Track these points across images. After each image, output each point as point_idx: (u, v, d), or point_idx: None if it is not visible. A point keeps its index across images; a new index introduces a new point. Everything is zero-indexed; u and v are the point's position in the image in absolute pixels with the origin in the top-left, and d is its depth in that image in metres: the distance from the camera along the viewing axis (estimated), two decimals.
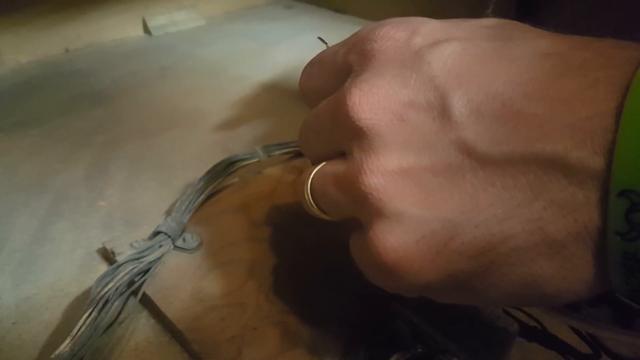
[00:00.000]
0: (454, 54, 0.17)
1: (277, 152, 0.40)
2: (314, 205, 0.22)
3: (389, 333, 0.24)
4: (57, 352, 0.24)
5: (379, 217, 0.18)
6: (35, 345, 0.28)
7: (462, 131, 0.16)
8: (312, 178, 0.21)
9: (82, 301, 0.30)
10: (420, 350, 0.23)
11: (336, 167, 0.20)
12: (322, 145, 0.22)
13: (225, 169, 0.37)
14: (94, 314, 0.26)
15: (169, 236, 0.31)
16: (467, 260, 0.16)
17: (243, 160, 0.38)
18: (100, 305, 0.26)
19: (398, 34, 0.19)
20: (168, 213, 0.33)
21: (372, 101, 0.18)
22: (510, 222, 0.16)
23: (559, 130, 0.15)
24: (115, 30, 0.75)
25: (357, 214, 0.19)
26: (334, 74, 0.22)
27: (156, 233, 0.31)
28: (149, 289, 0.28)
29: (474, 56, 0.17)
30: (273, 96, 0.56)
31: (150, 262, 0.29)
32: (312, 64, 0.24)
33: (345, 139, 0.19)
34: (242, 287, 0.29)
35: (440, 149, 0.17)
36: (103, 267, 0.33)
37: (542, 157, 0.15)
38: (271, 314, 0.27)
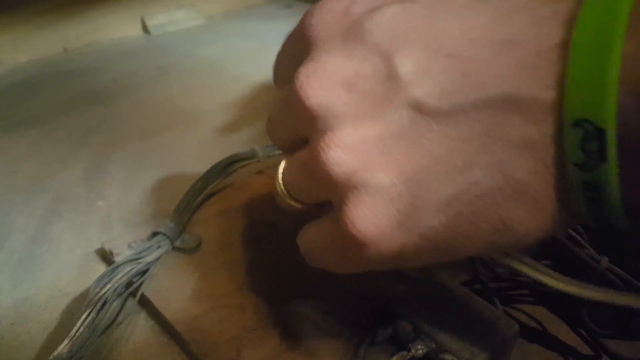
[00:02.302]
0: (394, 16, 0.17)
1: (277, 152, 0.39)
2: (287, 196, 0.22)
3: (389, 333, 0.24)
4: (55, 353, 0.24)
5: (347, 190, 0.17)
6: (33, 346, 0.28)
7: (411, 90, 0.16)
8: (283, 171, 0.22)
9: (81, 302, 0.29)
10: (420, 350, 0.23)
11: (301, 155, 0.20)
12: (286, 133, 0.22)
13: (224, 169, 0.37)
14: (92, 314, 0.25)
15: (168, 237, 0.31)
16: (435, 215, 0.17)
17: (242, 160, 0.38)
18: (98, 306, 0.26)
19: (336, 6, 0.19)
20: (167, 213, 0.33)
21: (320, 78, 0.18)
22: (470, 170, 0.16)
23: (508, 71, 0.15)
24: (114, 30, 0.74)
25: (328, 195, 0.19)
26: (291, 58, 0.21)
27: (155, 233, 0.31)
28: (147, 289, 0.28)
29: (414, 15, 0.17)
30: (273, 96, 0.56)
31: (149, 263, 0.29)
32: (280, 51, 0.24)
33: (303, 124, 0.19)
34: (241, 288, 0.28)
35: (393, 112, 0.17)
36: (101, 268, 0.33)
37: (494, 100, 0.15)
38: (270, 315, 0.27)
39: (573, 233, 0.24)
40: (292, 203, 0.22)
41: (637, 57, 0.13)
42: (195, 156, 0.45)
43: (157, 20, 0.78)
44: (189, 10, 0.81)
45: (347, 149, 0.17)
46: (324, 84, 0.18)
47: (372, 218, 0.17)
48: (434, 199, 0.16)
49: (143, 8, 0.77)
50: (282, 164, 0.22)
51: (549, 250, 0.25)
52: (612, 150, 0.14)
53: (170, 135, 0.49)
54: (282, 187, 0.22)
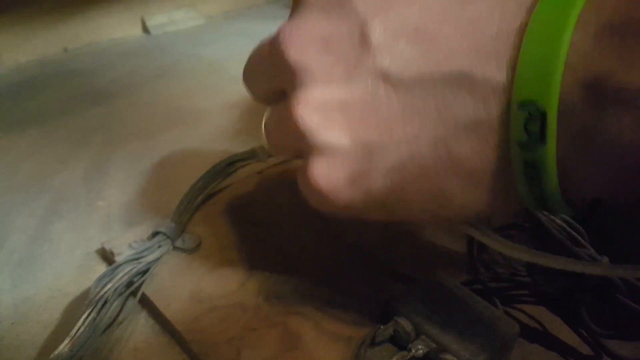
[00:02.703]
0: None
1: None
2: (273, 147, 0.23)
3: (390, 333, 0.24)
4: (56, 352, 0.24)
5: (312, 147, 0.19)
6: (33, 345, 0.27)
7: (379, 58, 0.17)
8: (265, 123, 0.23)
9: (81, 301, 0.29)
10: (420, 350, 0.23)
11: (279, 108, 0.21)
12: (263, 82, 0.23)
13: (224, 169, 0.37)
14: (92, 314, 0.26)
15: (168, 236, 0.31)
16: (382, 178, 0.18)
17: (243, 160, 0.38)
18: (99, 305, 0.26)
19: None
20: (167, 213, 0.33)
21: (300, 36, 0.19)
22: (417, 142, 0.17)
23: (466, 49, 0.16)
24: (114, 30, 0.74)
25: (296, 147, 0.20)
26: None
27: (155, 233, 0.31)
28: (148, 289, 0.28)
29: None
30: None
31: (149, 263, 0.29)
32: None
33: (282, 76, 0.20)
34: (241, 287, 0.28)
35: (360, 78, 0.18)
36: (102, 268, 0.33)
37: (449, 77, 0.16)
38: (271, 315, 0.27)
39: (573, 233, 0.24)
40: (274, 153, 0.23)
41: (586, 47, 0.14)
42: (195, 156, 0.45)
43: (157, 20, 0.78)
44: (189, 10, 0.81)
45: (315, 108, 0.19)
46: (304, 40, 0.19)
47: (328, 175, 0.19)
48: (383, 164, 0.18)
49: (143, 8, 0.77)
50: (265, 118, 0.23)
51: (549, 251, 0.25)
52: (552, 132, 0.15)
53: (171, 135, 0.49)
54: (265, 137, 0.23)
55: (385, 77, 0.17)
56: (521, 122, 0.15)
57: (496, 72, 0.15)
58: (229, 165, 0.37)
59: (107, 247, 0.32)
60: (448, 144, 0.17)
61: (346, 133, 0.18)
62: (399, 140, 0.17)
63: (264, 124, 0.23)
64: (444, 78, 0.16)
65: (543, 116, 0.14)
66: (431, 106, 0.17)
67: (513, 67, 0.15)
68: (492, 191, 0.17)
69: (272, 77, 0.21)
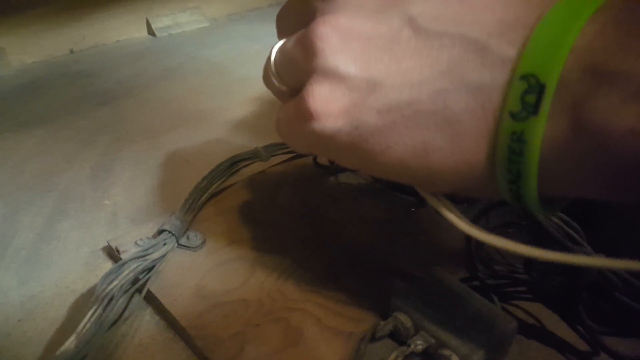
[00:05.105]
0: None
1: (279, 152, 0.40)
2: (275, 75, 0.23)
3: (389, 329, 0.25)
4: (62, 348, 0.24)
5: (318, 69, 0.20)
6: (40, 342, 0.28)
7: (412, 6, 0.19)
8: (280, 46, 0.23)
9: (87, 298, 0.30)
10: (420, 346, 0.23)
11: (299, 32, 0.21)
12: (295, 18, 0.23)
13: (228, 168, 0.37)
14: (98, 311, 0.26)
15: (173, 234, 0.31)
16: (375, 114, 0.19)
17: (246, 159, 0.39)
18: (105, 302, 0.26)
19: None
20: (172, 212, 0.34)
21: None
22: (420, 88, 0.18)
23: (489, 22, 0.17)
24: (119, 32, 0.75)
25: (304, 67, 0.20)
26: None
27: (160, 231, 0.32)
28: (153, 286, 0.29)
29: None
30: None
31: (155, 260, 0.29)
32: None
33: (316, 4, 0.21)
34: (244, 284, 0.29)
35: (389, 17, 0.19)
36: (108, 265, 0.33)
37: (468, 39, 0.17)
38: (273, 311, 0.27)
39: (570, 231, 0.25)
40: (276, 82, 0.23)
41: (592, 36, 0.15)
42: (199, 156, 0.46)
43: (162, 22, 0.78)
44: (193, 12, 0.82)
45: (338, 32, 0.19)
46: None
47: (328, 98, 0.19)
48: (381, 102, 0.19)
49: (148, 10, 0.78)
50: (279, 44, 0.23)
51: (547, 249, 0.26)
52: (546, 105, 0.15)
53: (175, 135, 0.49)
54: (273, 65, 0.23)
55: (412, 22, 0.18)
56: (519, 93, 0.16)
57: (509, 47, 0.16)
58: (232, 165, 0.38)
59: (113, 244, 0.32)
60: (447, 98, 0.17)
61: (357, 63, 0.19)
62: (403, 82, 0.18)
63: (276, 51, 0.23)
64: (463, 39, 0.17)
65: (541, 88, 0.15)
66: (444, 60, 0.17)
67: (524, 45, 0.16)
68: (472, 159, 0.18)
69: (305, 11, 0.22)
